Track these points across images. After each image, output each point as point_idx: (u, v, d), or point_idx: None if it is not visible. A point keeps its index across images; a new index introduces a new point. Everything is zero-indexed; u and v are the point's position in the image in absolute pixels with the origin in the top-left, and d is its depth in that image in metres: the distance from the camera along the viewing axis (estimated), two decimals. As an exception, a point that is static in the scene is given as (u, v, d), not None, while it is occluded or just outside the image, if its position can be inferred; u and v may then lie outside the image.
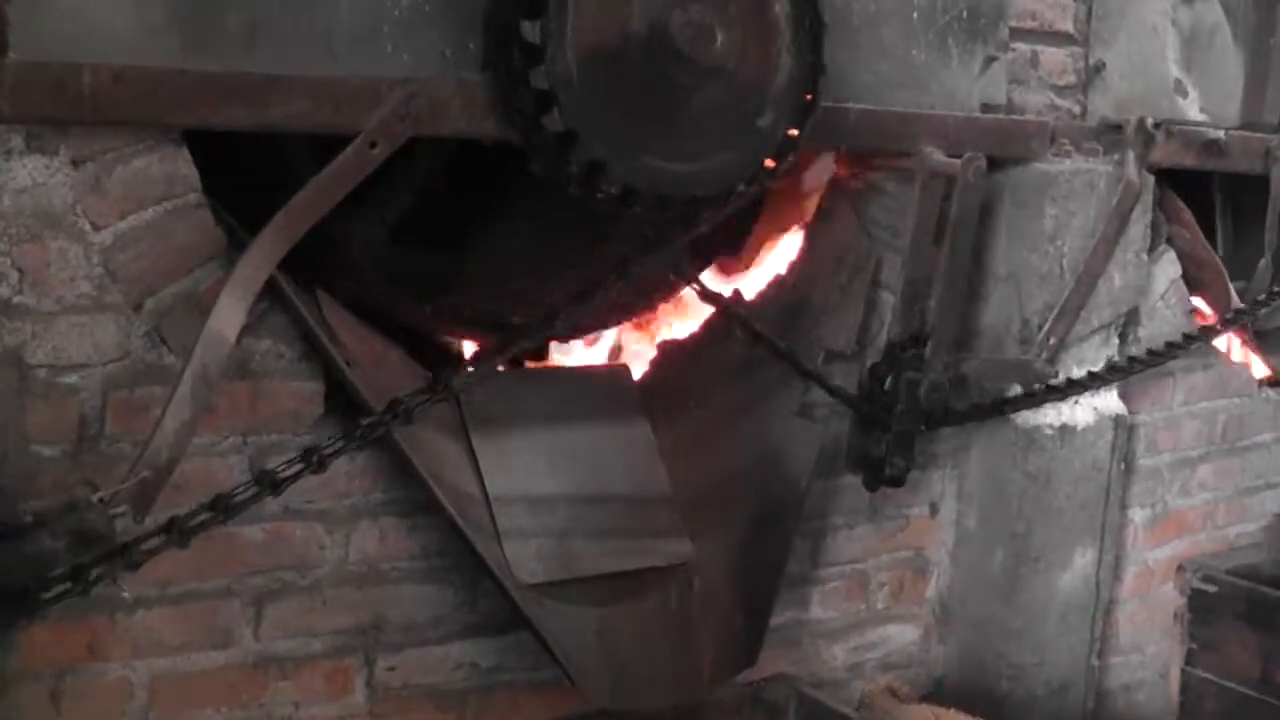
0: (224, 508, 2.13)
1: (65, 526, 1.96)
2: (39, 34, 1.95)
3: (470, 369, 2.46)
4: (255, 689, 2.44)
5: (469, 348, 2.79)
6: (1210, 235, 3.59)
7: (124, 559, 2.06)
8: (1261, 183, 3.42)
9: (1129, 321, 3.28)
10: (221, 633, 2.39)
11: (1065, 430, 3.10)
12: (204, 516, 2.12)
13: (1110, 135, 3.14)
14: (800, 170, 2.98)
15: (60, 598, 1.99)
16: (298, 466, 2.18)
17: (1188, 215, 3.47)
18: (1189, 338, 3.29)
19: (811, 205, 3.07)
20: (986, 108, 2.96)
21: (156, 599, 2.31)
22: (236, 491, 2.16)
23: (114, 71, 1.99)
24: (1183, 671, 3.59)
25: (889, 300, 2.93)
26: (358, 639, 2.51)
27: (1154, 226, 3.26)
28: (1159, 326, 3.34)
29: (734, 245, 3.11)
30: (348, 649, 2.51)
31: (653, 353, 2.95)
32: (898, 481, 2.91)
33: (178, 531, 2.08)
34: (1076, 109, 3.15)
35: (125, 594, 2.24)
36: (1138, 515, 3.47)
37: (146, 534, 2.07)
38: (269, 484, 2.15)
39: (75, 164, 2.05)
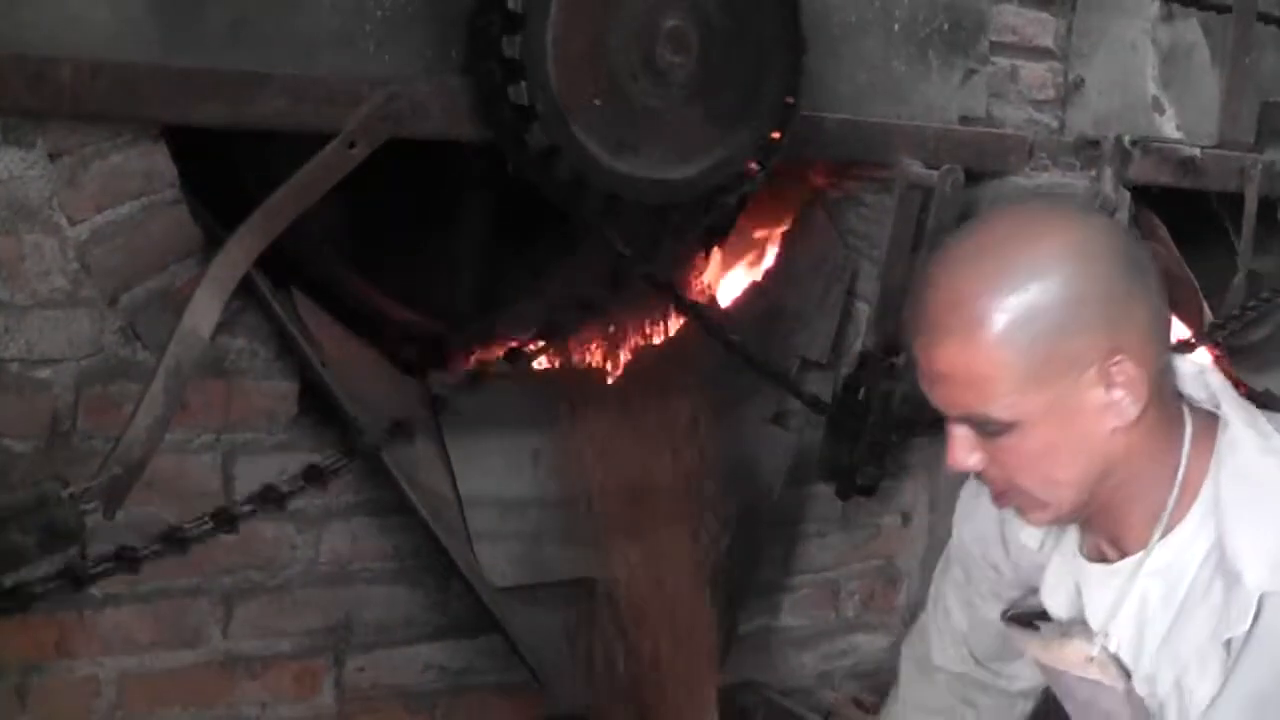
0: (227, 519, 2.17)
1: (35, 522, 1.96)
2: (18, 26, 1.94)
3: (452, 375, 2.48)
4: (223, 688, 2.44)
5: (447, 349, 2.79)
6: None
7: (121, 564, 2.07)
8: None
9: (1104, 336, 3.29)
10: (190, 631, 2.39)
11: (1038, 442, 3.11)
12: (206, 527, 2.15)
13: (1088, 151, 3.15)
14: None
15: (46, 594, 1.99)
16: (300, 484, 2.26)
17: (1163, 232, 3.49)
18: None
19: (789, 214, 3.07)
20: (965, 120, 2.97)
21: (126, 597, 2.30)
22: (239, 505, 2.18)
23: (93, 65, 1.98)
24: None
25: (864, 310, 2.94)
26: (327, 639, 2.51)
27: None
28: (1133, 342, 3.35)
29: (711, 250, 3.11)
30: (317, 649, 2.51)
31: (627, 357, 2.95)
32: (869, 491, 2.91)
33: (178, 541, 2.10)
34: (1055, 124, 3.17)
35: (94, 591, 2.24)
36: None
37: (145, 541, 2.08)
38: (274, 499, 2.23)
39: (52, 157, 2.04)
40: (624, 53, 2.26)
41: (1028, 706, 2.08)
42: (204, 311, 2.10)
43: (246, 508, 2.22)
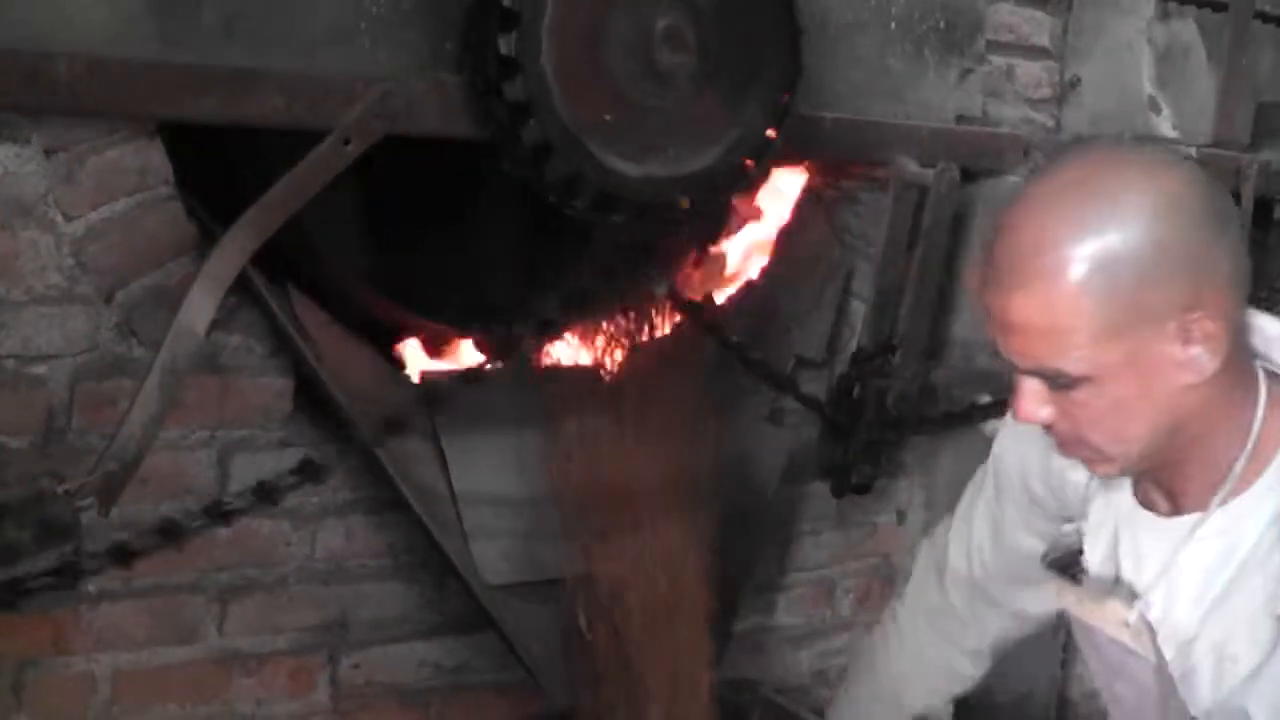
0: (220, 514, 2.17)
1: (31, 518, 1.96)
2: (13, 21, 1.94)
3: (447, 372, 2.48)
4: (218, 685, 2.44)
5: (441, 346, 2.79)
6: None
7: (116, 559, 2.07)
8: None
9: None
10: (186, 628, 2.39)
11: (1033, 441, 3.11)
12: (200, 522, 2.15)
13: (1084, 150, 3.15)
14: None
15: (42, 590, 1.99)
16: (294, 479, 2.24)
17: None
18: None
19: (785, 212, 3.07)
20: (961, 119, 2.97)
21: (122, 593, 2.30)
22: (230, 500, 2.20)
23: (89, 61, 1.98)
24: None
25: (860, 309, 2.94)
26: (322, 636, 2.51)
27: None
28: (1128, 341, 3.36)
29: (706, 249, 3.11)
30: (312, 646, 2.51)
31: (623, 355, 2.95)
32: (864, 489, 2.92)
33: (172, 534, 2.10)
34: (1051, 123, 3.17)
35: (89, 586, 2.24)
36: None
37: (139, 535, 2.08)
38: (267, 495, 2.22)
39: (48, 154, 2.04)
40: (620, 51, 2.26)
41: (1030, 629, 2.07)
42: (199, 308, 2.11)
43: (240, 502, 2.21)
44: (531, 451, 2.63)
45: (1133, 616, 1.61)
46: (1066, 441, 1.56)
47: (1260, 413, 1.54)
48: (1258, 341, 1.59)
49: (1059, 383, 1.49)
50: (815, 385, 2.91)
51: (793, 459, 2.92)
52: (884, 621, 2.23)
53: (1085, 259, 1.42)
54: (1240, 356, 1.53)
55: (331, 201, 2.24)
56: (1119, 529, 1.67)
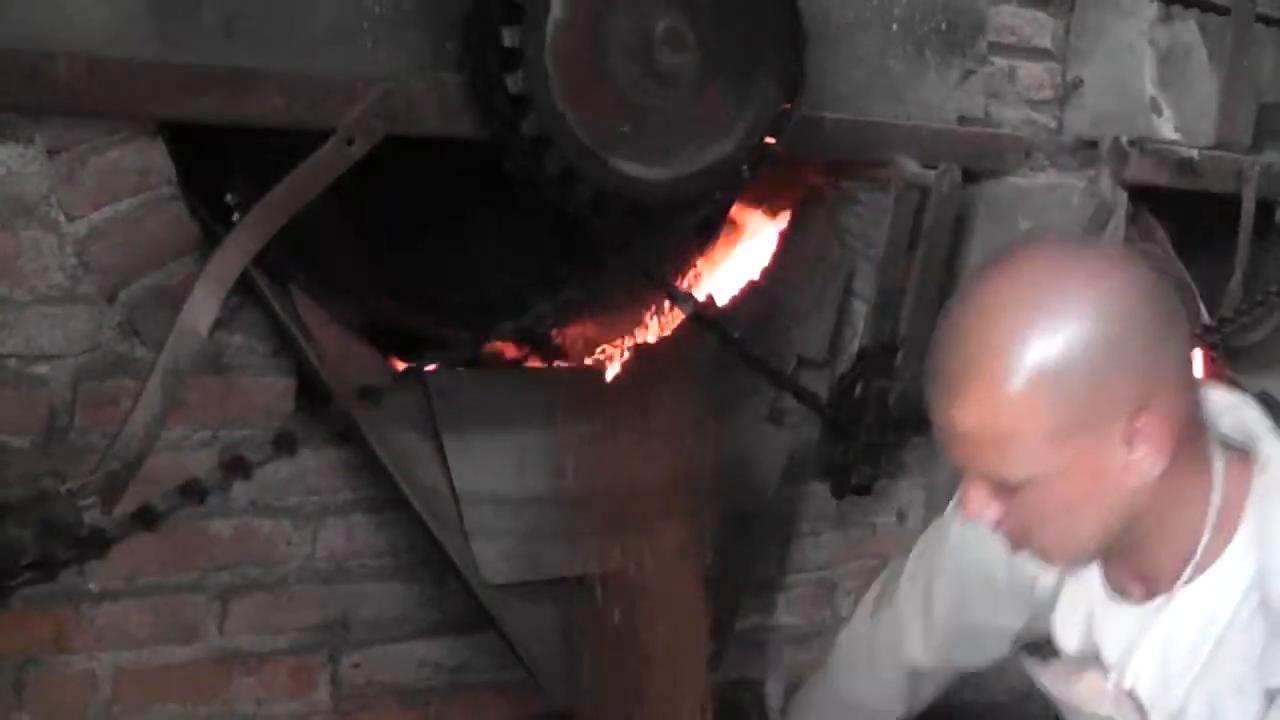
0: (195, 493, 2.16)
1: (33, 517, 1.97)
2: (13, 21, 1.95)
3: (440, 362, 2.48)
4: (219, 684, 2.44)
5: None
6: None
7: (92, 546, 2.07)
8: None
9: (1100, 337, 3.29)
10: (187, 627, 2.39)
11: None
12: (174, 502, 2.14)
13: (1085, 151, 3.16)
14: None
15: (29, 584, 1.99)
16: (269, 450, 2.24)
17: (1160, 233, 3.49)
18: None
19: (786, 212, 3.08)
20: (963, 120, 2.97)
21: (123, 591, 2.30)
22: (206, 474, 2.20)
23: (90, 61, 1.99)
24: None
25: (861, 309, 2.94)
26: (323, 636, 2.51)
27: (1126, 243, 3.28)
28: (1130, 342, 3.35)
29: (706, 249, 3.12)
30: (312, 645, 2.51)
31: (624, 355, 2.96)
32: (865, 490, 2.92)
33: (147, 517, 2.10)
34: (1052, 124, 3.17)
35: (91, 585, 2.25)
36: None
37: (116, 520, 2.08)
38: (240, 470, 2.21)
39: (50, 154, 2.05)
40: (622, 49, 2.27)
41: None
42: (202, 308, 2.11)
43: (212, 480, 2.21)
44: (533, 451, 2.63)
45: (1110, 685, 1.62)
46: (1014, 540, 1.56)
47: (1218, 488, 1.54)
48: (1209, 413, 1.59)
49: (1005, 487, 1.49)
50: (816, 385, 2.91)
51: (793, 459, 2.91)
52: (838, 643, 2.22)
53: (1029, 368, 1.42)
54: (1192, 440, 1.52)
55: (332, 202, 2.25)
56: (1093, 615, 1.67)
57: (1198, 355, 3.56)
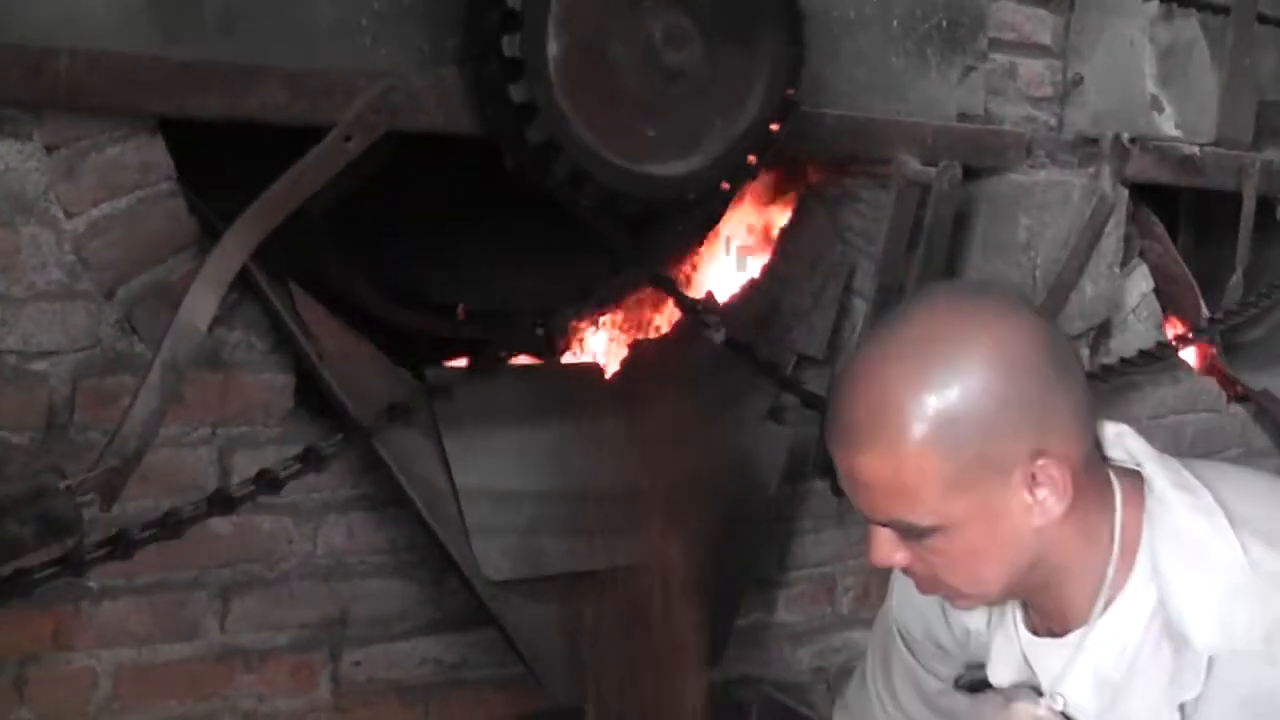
0: (222, 501, 2.16)
1: (32, 513, 1.96)
2: (15, 17, 1.94)
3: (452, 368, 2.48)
4: (219, 681, 2.44)
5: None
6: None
7: (117, 549, 2.07)
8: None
9: (1100, 334, 3.29)
10: (187, 624, 2.39)
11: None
12: (200, 511, 2.14)
13: (1086, 148, 3.15)
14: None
15: (45, 581, 1.99)
16: (297, 466, 2.23)
17: (1161, 230, 3.50)
18: (1163, 345, 3.31)
19: (786, 210, 3.07)
20: (963, 117, 2.97)
21: (124, 589, 2.31)
22: (235, 488, 2.19)
23: (90, 57, 1.98)
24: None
25: (861, 307, 2.94)
26: (323, 633, 2.51)
27: (1127, 240, 3.28)
28: (1130, 339, 3.36)
29: (707, 245, 3.12)
30: (313, 643, 2.51)
31: (624, 352, 2.96)
32: (865, 487, 2.91)
33: (172, 524, 2.10)
34: (1053, 121, 3.17)
35: (91, 583, 2.25)
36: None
37: (141, 524, 2.08)
38: (269, 483, 2.20)
39: (49, 150, 2.05)
40: (623, 49, 2.26)
41: None
42: (201, 304, 2.11)
43: (241, 491, 2.21)
44: (533, 448, 2.63)
45: (1041, 711, 1.63)
46: (924, 584, 1.59)
47: (1118, 518, 1.57)
48: (1104, 444, 1.62)
49: (911, 533, 1.51)
50: (817, 383, 2.91)
51: (794, 457, 2.91)
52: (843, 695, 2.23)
53: (927, 418, 1.44)
54: (1091, 479, 1.55)
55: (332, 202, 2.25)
56: (1024, 656, 1.68)
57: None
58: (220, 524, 2.33)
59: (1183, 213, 3.90)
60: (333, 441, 2.28)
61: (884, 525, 1.53)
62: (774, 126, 2.41)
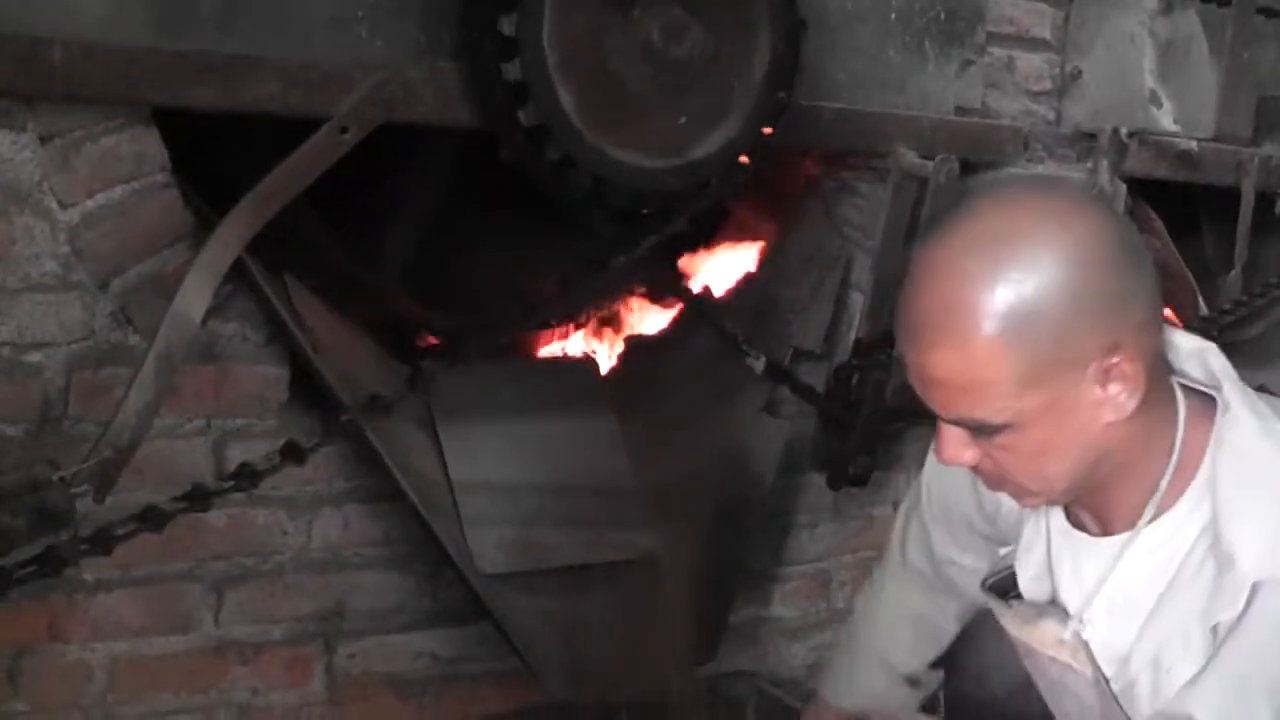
0: (200, 497, 2.15)
1: (26, 505, 1.96)
2: (9, 7, 1.94)
3: (442, 359, 2.47)
4: (214, 674, 2.44)
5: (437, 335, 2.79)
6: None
7: (97, 544, 2.06)
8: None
9: (1098, 328, 3.29)
10: (182, 617, 2.39)
11: (1031, 433, 3.10)
12: (180, 506, 2.13)
13: (1084, 143, 3.15)
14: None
15: (28, 579, 1.99)
16: (276, 459, 2.21)
17: (1159, 225, 3.48)
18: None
19: (784, 203, 3.07)
20: (961, 111, 2.97)
21: (118, 581, 2.30)
22: (213, 484, 2.19)
23: (84, 47, 1.98)
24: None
25: (858, 300, 2.93)
26: (318, 626, 2.51)
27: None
28: (1127, 335, 3.35)
29: (703, 240, 3.11)
30: (308, 636, 2.51)
31: (620, 345, 2.96)
32: (861, 481, 2.91)
33: (153, 519, 2.09)
34: (1051, 115, 3.16)
35: (86, 575, 2.24)
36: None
37: (122, 519, 2.07)
38: (248, 477, 2.19)
39: (43, 140, 2.04)
40: (620, 39, 2.26)
41: None
42: (195, 296, 2.10)
43: (226, 484, 2.20)
44: (528, 441, 2.63)
45: (1067, 634, 1.64)
46: (991, 480, 1.58)
47: (1180, 430, 1.56)
48: (1173, 358, 1.61)
49: (982, 431, 1.50)
50: (813, 377, 2.91)
51: (790, 450, 2.91)
52: (869, 582, 2.24)
53: (1001, 314, 1.42)
54: (1159, 380, 1.54)
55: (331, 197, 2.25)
56: (1052, 550, 1.69)
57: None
58: (214, 517, 2.33)
59: (1201, 212, 3.89)
60: (315, 438, 2.27)
61: (954, 424, 1.51)
62: (767, 129, 2.41)
